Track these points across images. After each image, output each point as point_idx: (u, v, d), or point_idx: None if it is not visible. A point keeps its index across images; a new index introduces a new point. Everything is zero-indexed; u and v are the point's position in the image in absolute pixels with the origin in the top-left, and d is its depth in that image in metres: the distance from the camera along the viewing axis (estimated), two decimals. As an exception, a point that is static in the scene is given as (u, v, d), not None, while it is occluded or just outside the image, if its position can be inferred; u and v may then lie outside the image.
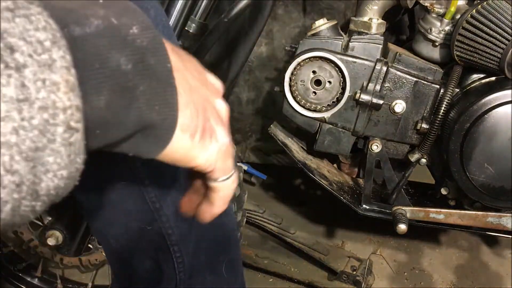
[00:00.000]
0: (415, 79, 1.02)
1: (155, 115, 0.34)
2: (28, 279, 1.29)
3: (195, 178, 0.48)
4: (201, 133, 0.38)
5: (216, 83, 0.45)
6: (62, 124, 0.27)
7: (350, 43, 1.01)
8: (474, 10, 0.91)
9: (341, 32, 1.06)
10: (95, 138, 0.32)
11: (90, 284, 1.29)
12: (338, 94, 1.04)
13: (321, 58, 1.01)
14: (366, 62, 1.01)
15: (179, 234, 0.66)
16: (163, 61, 0.34)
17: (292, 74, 1.03)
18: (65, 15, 0.30)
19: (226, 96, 1.01)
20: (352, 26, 1.04)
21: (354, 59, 1.01)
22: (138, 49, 0.33)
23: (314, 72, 1.03)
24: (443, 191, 1.10)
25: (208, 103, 0.40)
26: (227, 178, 0.43)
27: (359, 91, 1.01)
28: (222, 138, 0.41)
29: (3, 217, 0.26)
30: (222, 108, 0.43)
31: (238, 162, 1.38)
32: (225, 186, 0.43)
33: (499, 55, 0.89)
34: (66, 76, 0.27)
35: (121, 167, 0.61)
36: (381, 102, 1.00)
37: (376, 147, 1.08)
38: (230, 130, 0.43)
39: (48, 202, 0.29)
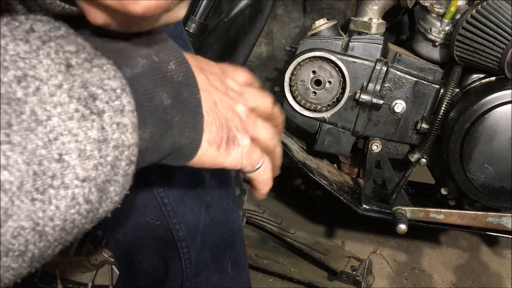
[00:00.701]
0: (415, 79, 1.02)
1: (184, 140, 0.38)
2: (28, 279, 1.29)
3: None
4: (225, 143, 0.43)
5: (235, 87, 0.48)
6: (126, 159, 0.32)
7: (350, 43, 1.01)
8: (474, 10, 0.91)
9: (341, 32, 1.06)
10: None
11: (90, 284, 1.29)
12: (338, 94, 1.04)
13: (321, 58, 1.01)
14: (366, 62, 1.01)
15: (187, 229, 0.66)
16: (194, 93, 0.39)
17: (292, 74, 1.03)
18: (118, 58, 0.34)
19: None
20: (352, 26, 1.04)
21: (354, 59, 1.01)
22: (175, 84, 0.37)
23: (314, 72, 1.03)
24: (443, 191, 1.10)
25: (231, 111, 0.44)
26: (258, 168, 0.48)
27: (359, 91, 1.01)
28: (243, 141, 0.45)
29: (70, 240, 0.29)
30: (242, 111, 0.47)
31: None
32: (259, 174, 0.48)
33: (499, 55, 0.89)
34: (132, 119, 0.32)
35: None
36: (381, 102, 1.00)
37: (376, 147, 1.08)
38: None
39: (97, 223, 0.32)
